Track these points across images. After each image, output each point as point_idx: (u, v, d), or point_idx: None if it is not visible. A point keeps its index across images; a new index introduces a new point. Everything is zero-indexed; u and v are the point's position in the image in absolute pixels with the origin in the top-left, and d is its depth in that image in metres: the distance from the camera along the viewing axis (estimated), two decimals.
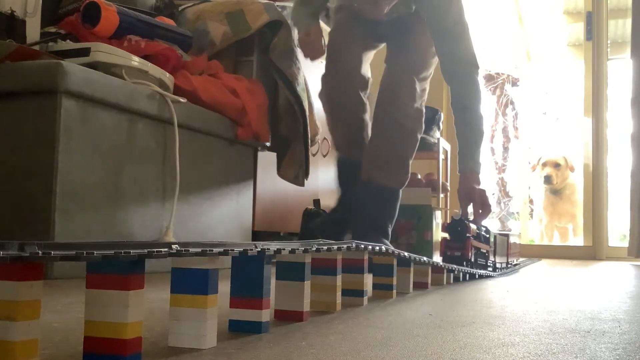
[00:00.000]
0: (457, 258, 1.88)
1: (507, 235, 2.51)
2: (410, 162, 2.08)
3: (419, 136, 2.07)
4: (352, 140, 2.04)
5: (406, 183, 2.08)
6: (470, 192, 1.92)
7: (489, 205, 1.95)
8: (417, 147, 2.07)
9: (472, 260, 1.94)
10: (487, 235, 2.11)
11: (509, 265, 2.53)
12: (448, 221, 1.97)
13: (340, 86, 2.00)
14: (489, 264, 2.13)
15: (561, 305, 1.29)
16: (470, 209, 1.97)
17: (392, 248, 1.31)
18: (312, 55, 2.09)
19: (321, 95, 2.08)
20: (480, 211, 1.94)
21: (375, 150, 1.99)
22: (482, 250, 2.05)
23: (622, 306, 1.29)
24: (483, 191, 1.93)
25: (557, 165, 5.01)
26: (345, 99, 2.01)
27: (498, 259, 2.29)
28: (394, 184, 2.02)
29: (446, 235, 1.94)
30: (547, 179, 5.01)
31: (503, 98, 6.28)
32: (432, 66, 2.07)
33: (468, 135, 1.96)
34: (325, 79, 2.05)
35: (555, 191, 5.07)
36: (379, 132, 2.01)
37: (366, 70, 2.06)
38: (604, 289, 1.79)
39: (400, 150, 2.02)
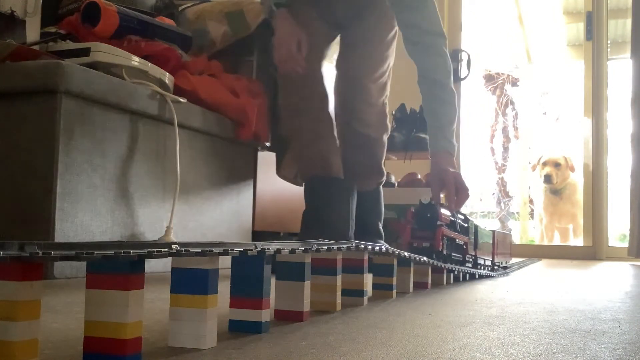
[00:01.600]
0: (425, 250, 1.57)
1: (493, 231, 2.17)
2: (383, 161, 2.07)
3: (386, 138, 2.04)
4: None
5: (384, 181, 2.08)
6: (443, 175, 1.71)
7: (466, 189, 1.71)
8: (386, 148, 2.05)
9: (445, 253, 1.63)
10: (466, 225, 1.81)
11: (496, 267, 2.20)
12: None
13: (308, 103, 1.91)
14: (467, 259, 1.82)
15: (561, 305, 1.28)
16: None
17: (391, 248, 1.31)
18: (295, 69, 1.82)
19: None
20: (456, 197, 1.71)
21: (345, 160, 1.97)
22: (458, 241, 1.74)
23: (622, 306, 1.29)
24: (458, 174, 1.73)
25: (557, 165, 5.02)
26: (312, 115, 1.91)
27: (481, 255, 1.99)
28: (373, 185, 2.02)
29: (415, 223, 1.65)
30: (547, 178, 5.01)
31: (503, 98, 6.29)
32: (390, 57, 1.99)
33: (439, 112, 1.76)
34: (285, 94, 1.93)
35: (556, 191, 5.06)
36: (344, 143, 1.98)
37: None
38: (604, 289, 1.79)
39: (369, 158, 2.01)
